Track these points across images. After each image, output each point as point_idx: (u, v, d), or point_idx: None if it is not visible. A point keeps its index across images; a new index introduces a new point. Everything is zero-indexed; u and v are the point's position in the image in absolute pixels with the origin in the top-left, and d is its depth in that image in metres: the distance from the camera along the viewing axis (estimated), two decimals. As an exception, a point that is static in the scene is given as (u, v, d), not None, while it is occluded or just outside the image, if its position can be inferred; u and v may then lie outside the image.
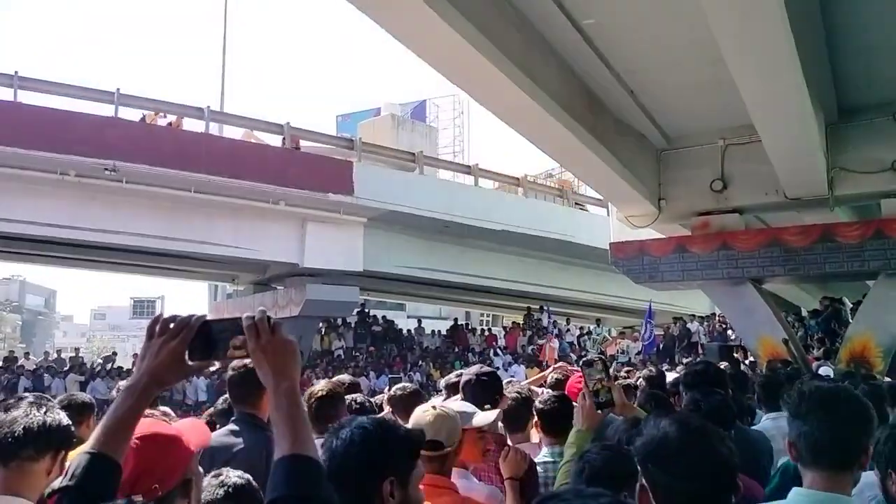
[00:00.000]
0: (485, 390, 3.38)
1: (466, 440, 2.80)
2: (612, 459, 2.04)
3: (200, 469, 1.78)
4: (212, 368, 2.93)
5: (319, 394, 3.22)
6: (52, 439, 2.02)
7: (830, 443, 1.88)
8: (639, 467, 1.62)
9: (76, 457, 1.43)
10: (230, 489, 2.27)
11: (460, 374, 4.90)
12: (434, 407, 2.69)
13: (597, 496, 1.09)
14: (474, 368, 3.69)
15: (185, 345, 1.49)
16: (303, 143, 19.47)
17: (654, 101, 11.05)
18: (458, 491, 2.50)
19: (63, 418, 2.08)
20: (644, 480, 1.60)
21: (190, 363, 1.52)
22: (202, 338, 1.50)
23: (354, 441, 1.62)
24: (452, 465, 2.60)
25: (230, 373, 3.30)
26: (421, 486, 2.50)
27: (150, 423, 1.68)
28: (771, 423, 4.18)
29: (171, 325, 1.50)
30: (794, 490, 1.95)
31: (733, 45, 7.27)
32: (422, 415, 2.61)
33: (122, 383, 1.74)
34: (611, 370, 3.30)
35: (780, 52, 7.16)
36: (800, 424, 1.95)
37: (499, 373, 15.89)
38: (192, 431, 1.76)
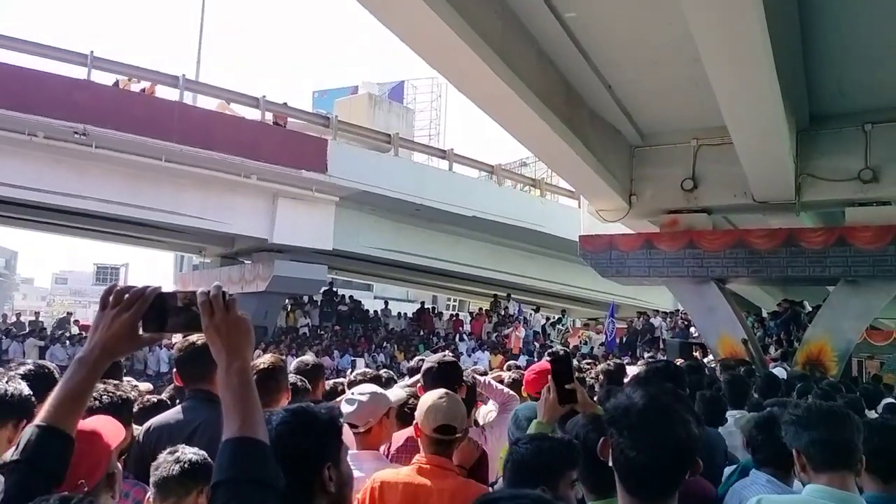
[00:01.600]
0: (444, 378, 3.41)
1: (382, 421, 3.03)
2: (539, 452, 2.07)
3: (119, 465, 1.78)
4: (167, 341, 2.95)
5: (261, 366, 3.20)
6: (14, 409, 1.99)
7: (843, 449, 2.22)
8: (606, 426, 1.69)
9: (27, 429, 1.40)
10: (185, 465, 2.27)
11: (422, 360, 4.94)
12: (447, 393, 2.80)
13: (527, 498, 1.10)
14: (436, 356, 3.74)
15: (137, 316, 1.47)
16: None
17: (630, 98, 11.12)
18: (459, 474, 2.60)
19: (24, 388, 2.05)
20: (610, 438, 1.67)
21: (143, 335, 1.50)
22: (156, 310, 1.48)
23: (283, 437, 1.59)
24: (454, 448, 2.71)
25: (176, 353, 3.23)
26: (427, 467, 2.57)
27: None
28: (733, 421, 4.33)
29: (126, 296, 1.48)
30: (812, 487, 2.22)
31: (710, 44, 7.34)
32: (438, 401, 2.72)
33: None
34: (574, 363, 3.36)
35: (755, 54, 7.25)
36: (811, 433, 2.26)
37: (463, 358, 15.88)
38: (108, 427, 1.75)
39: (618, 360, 7.43)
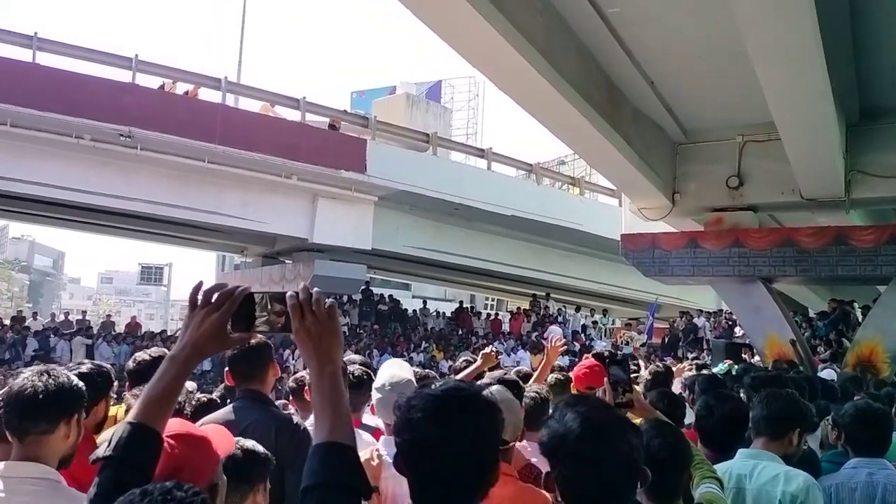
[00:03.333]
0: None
1: None
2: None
3: (225, 477, 1.76)
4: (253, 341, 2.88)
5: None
6: (64, 407, 1.99)
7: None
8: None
9: (118, 426, 1.43)
10: (241, 449, 2.20)
11: (468, 361, 4.90)
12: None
13: None
14: (497, 373, 3.62)
15: (227, 316, 1.48)
16: (317, 118, 19.40)
17: (673, 93, 10.94)
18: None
19: (72, 380, 2.04)
20: (550, 468, 1.61)
21: (232, 335, 1.51)
22: (244, 310, 1.49)
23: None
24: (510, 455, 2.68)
25: (230, 351, 3.15)
26: None
27: (180, 422, 1.67)
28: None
29: (215, 296, 1.49)
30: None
31: (759, 40, 7.15)
32: None
33: (151, 351, 1.70)
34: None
35: (806, 49, 7.05)
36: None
37: (503, 358, 15.78)
38: (219, 437, 1.75)
39: (666, 363, 7.30)
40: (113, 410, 2.95)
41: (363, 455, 2.97)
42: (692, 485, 2.35)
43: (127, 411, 2.67)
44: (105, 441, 1.44)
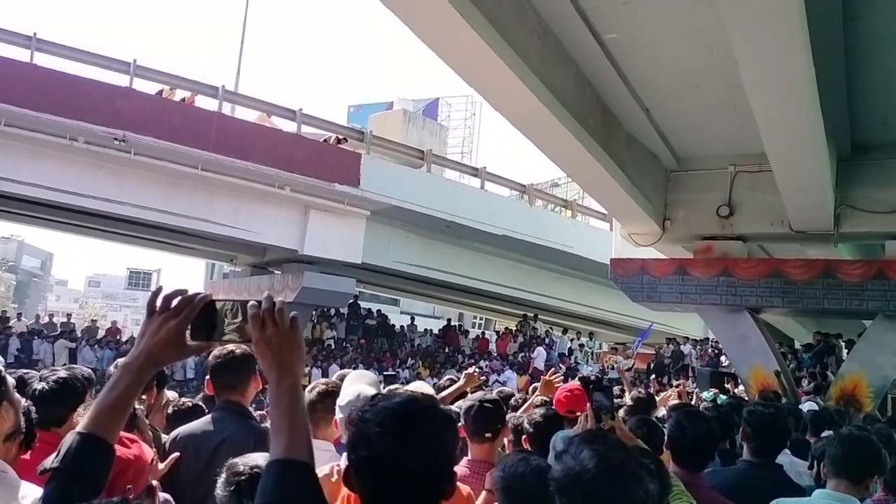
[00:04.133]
0: (487, 418, 3.17)
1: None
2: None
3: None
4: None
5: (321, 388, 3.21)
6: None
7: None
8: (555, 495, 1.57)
9: (67, 436, 1.36)
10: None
11: (452, 380, 4.88)
12: None
13: None
14: (478, 394, 3.47)
15: (186, 324, 1.42)
16: (312, 130, 19.41)
17: (668, 121, 11.02)
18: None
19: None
20: None
21: (190, 343, 1.45)
22: (205, 318, 1.43)
23: None
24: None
25: (212, 360, 3.15)
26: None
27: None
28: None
29: (174, 302, 1.43)
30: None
31: (755, 73, 7.23)
32: None
33: (119, 361, 1.66)
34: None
35: (799, 83, 7.13)
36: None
37: (490, 377, 15.68)
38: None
39: (648, 390, 7.30)
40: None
41: (323, 471, 2.92)
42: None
43: None
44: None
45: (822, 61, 7.28)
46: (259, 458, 1.99)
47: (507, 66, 7.57)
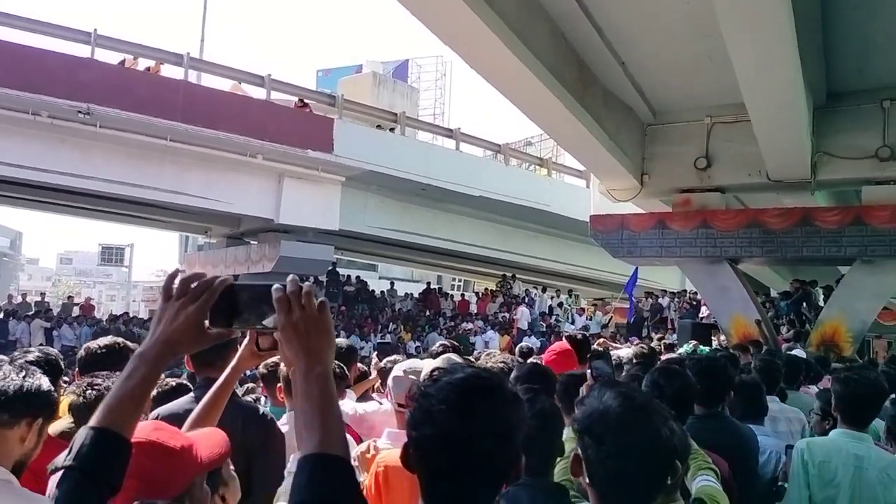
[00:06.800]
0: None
1: None
2: None
3: (233, 473, 1.62)
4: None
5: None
6: (30, 404, 1.82)
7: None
8: (576, 437, 1.54)
9: (80, 432, 1.25)
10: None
11: (444, 346, 4.81)
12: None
13: None
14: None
15: (205, 309, 1.32)
16: (282, 96, 19.05)
17: (644, 74, 10.94)
18: None
19: (44, 383, 1.87)
20: (580, 451, 1.51)
21: (210, 330, 1.34)
22: (225, 303, 1.33)
23: None
24: None
25: None
26: None
27: (153, 427, 1.50)
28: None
29: (192, 286, 1.33)
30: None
31: (732, 17, 7.14)
32: None
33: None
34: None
35: (778, 28, 7.07)
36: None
37: (472, 338, 15.68)
38: (205, 441, 1.57)
39: (651, 346, 7.28)
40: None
41: (360, 448, 2.83)
42: (687, 477, 2.28)
43: (71, 407, 2.50)
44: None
45: (800, 9, 7.20)
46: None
47: (482, 23, 7.44)
